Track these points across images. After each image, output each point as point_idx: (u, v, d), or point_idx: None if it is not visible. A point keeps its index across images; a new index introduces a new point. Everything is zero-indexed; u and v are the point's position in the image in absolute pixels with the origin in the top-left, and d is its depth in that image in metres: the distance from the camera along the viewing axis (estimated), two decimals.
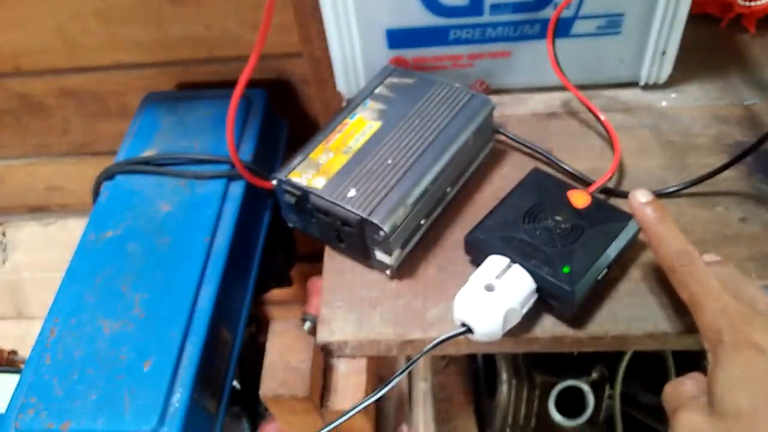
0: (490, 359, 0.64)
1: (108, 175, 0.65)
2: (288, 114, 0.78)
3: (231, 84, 0.76)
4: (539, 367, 0.60)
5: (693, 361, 0.52)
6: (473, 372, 0.70)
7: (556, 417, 0.60)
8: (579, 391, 0.60)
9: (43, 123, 0.84)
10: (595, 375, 0.60)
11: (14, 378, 0.77)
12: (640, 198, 0.40)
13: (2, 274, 1.05)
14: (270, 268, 0.75)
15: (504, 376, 0.61)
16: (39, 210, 0.98)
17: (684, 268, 0.37)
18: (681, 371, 0.62)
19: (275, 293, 0.83)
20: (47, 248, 1.02)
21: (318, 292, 0.76)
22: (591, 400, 0.60)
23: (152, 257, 0.57)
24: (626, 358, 0.64)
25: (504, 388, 0.61)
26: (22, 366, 0.80)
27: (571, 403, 0.61)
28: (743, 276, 0.38)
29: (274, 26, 0.69)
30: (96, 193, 0.66)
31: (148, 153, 0.66)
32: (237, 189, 0.63)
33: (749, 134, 0.53)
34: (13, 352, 1.02)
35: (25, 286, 1.11)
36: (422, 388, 0.77)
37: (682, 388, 0.36)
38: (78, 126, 0.85)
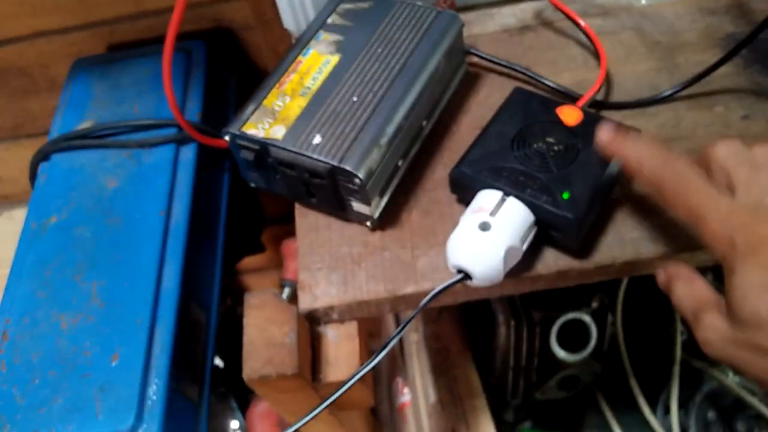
0: (484, 302, 0.60)
1: (43, 155, 0.59)
2: (234, 67, 0.72)
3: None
4: (537, 303, 0.57)
5: None
6: (467, 317, 0.67)
7: (560, 353, 0.58)
8: (580, 324, 0.57)
9: None
10: (595, 304, 0.57)
11: None
12: (606, 133, 0.36)
13: None
14: (238, 236, 0.70)
15: (501, 317, 0.58)
16: None
17: (673, 180, 0.32)
18: None
19: (248, 261, 0.78)
20: None
21: (293, 255, 0.71)
22: (594, 330, 0.58)
23: (104, 240, 0.51)
24: (625, 283, 0.61)
25: (502, 330, 0.58)
26: None
27: (573, 337, 0.58)
28: (754, 161, 0.32)
29: None
30: (33, 177, 0.59)
31: (85, 125, 0.59)
32: (188, 153, 0.57)
33: (740, 24, 0.48)
34: None
35: None
36: (414, 340, 0.74)
37: (697, 288, 0.33)
38: (5, 106, 0.77)
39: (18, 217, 0.92)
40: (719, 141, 0.33)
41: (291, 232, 0.92)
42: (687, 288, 0.33)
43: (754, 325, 0.28)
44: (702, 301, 0.32)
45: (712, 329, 0.30)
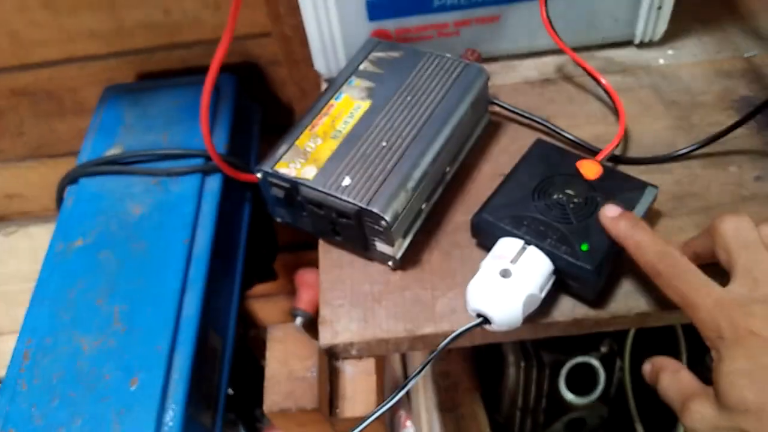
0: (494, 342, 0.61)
1: (71, 178, 0.60)
2: (259, 100, 0.74)
3: (195, 70, 0.71)
4: (547, 346, 0.58)
5: None
6: (476, 356, 0.67)
7: (568, 396, 0.58)
8: (589, 367, 0.58)
9: None
10: (604, 349, 0.58)
11: None
12: (610, 213, 0.38)
13: None
14: (253, 264, 0.71)
15: (511, 358, 0.59)
16: None
17: (668, 269, 0.34)
18: (689, 334, 0.61)
19: (258, 287, 0.79)
20: (11, 259, 0.96)
21: (306, 285, 0.72)
22: (602, 375, 0.58)
23: (128, 265, 0.53)
24: (633, 329, 0.62)
25: (512, 371, 0.59)
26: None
27: (581, 380, 0.59)
28: (756, 247, 0.33)
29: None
30: (60, 200, 0.61)
31: (113, 151, 0.61)
32: (214, 184, 0.58)
33: (754, 88, 0.50)
34: None
35: None
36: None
37: (682, 378, 0.34)
38: (33, 127, 0.79)
39: (35, 233, 0.94)
40: (728, 217, 0.34)
41: (302, 261, 0.94)
42: (673, 378, 0.35)
43: (741, 411, 0.29)
44: (688, 391, 0.33)
45: (699, 417, 0.31)
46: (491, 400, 0.65)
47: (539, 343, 0.58)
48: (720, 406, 0.30)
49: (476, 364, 0.67)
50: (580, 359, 0.58)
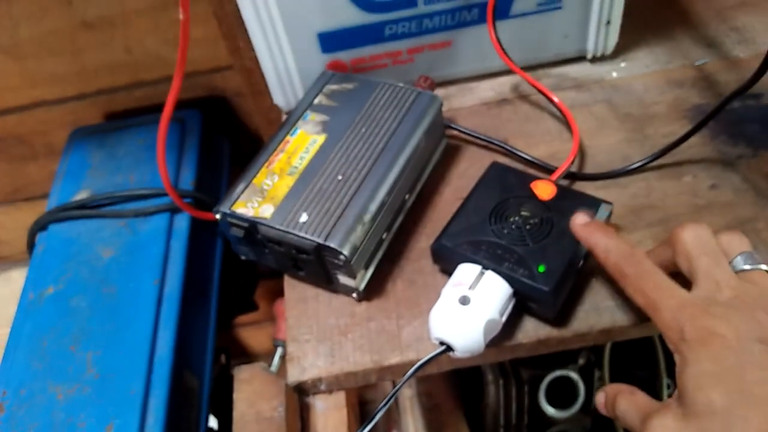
0: None
1: (41, 225, 0.60)
2: (227, 132, 0.74)
3: (161, 107, 0.72)
4: (524, 362, 0.58)
5: None
6: (457, 375, 0.68)
7: (549, 410, 0.58)
8: (568, 380, 0.58)
9: None
10: (581, 361, 0.59)
11: None
12: (580, 220, 0.39)
13: None
14: (232, 296, 0.71)
15: (490, 376, 0.59)
16: None
17: (633, 271, 0.35)
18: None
19: (244, 316, 0.79)
20: None
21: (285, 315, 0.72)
22: (581, 387, 0.59)
23: (100, 310, 0.53)
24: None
25: (491, 389, 0.59)
26: None
27: (561, 393, 0.59)
28: (716, 253, 0.34)
29: (199, 40, 0.66)
30: (31, 247, 0.61)
31: (81, 195, 0.61)
32: (182, 221, 0.58)
33: (706, 96, 0.51)
34: None
35: None
36: (408, 395, 0.74)
37: (639, 399, 0.34)
38: (5, 172, 0.79)
39: (15, 277, 0.93)
40: (688, 225, 0.35)
41: (282, 288, 0.93)
42: (630, 401, 0.35)
43: (709, 414, 0.29)
44: (646, 409, 0.33)
45: (662, 430, 0.31)
46: (474, 418, 0.65)
47: (517, 360, 0.58)
48: (683, 414, 0.30)
49: (457, 383, 0.67)
50: (558, 373, 0.58)
